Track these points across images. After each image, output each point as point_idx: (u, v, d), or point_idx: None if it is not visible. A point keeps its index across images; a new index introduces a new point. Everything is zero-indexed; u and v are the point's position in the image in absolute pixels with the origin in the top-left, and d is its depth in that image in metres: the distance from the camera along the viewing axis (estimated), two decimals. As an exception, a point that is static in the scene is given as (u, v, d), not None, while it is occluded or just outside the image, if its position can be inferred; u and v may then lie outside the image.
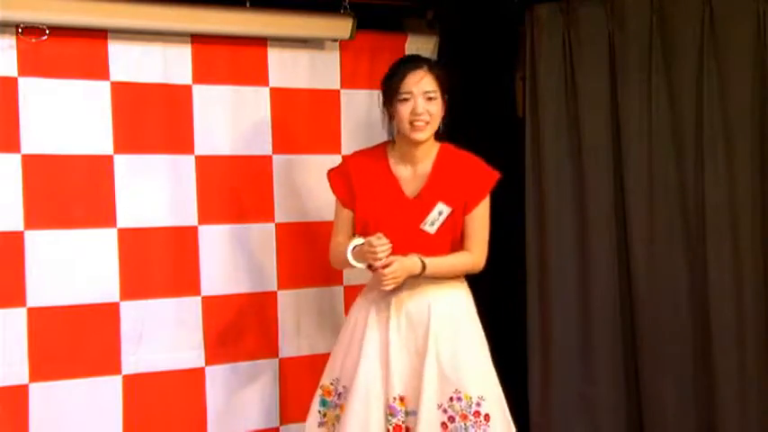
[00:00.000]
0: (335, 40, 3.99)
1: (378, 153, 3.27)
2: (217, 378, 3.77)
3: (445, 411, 3.11)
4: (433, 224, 3.18)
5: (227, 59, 3.81)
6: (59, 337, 3.47)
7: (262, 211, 3.87)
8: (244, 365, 3.84)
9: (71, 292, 3.49)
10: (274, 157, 3.90)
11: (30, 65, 3.44)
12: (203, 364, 3.74)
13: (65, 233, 3.49)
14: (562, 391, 4.07)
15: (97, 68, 3.56)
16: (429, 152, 3.23)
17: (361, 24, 3.93)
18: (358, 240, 3.17)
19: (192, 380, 3.73)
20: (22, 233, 3.42)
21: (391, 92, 3.18)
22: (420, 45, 4.23)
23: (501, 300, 4.29)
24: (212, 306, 3.76)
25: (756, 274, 3.76)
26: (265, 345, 3.88)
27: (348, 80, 4.06)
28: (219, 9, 3.71)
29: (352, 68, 4.07)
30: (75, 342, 3.50)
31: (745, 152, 3.76)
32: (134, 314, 3.59)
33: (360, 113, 4.08)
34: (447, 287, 3.23)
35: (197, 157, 3.75)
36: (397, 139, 3.27)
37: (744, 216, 3.77)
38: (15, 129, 3.42)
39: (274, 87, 3.91)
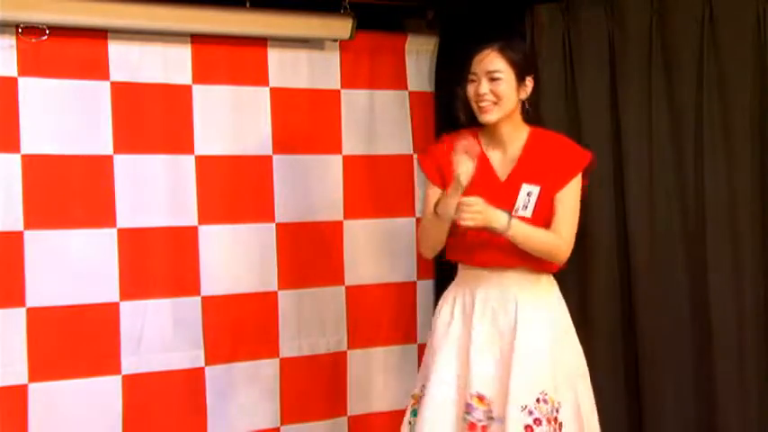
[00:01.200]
0: (335, 40, 3.99)
1: (470, 135, 3.05)
2: (217, 378, 3.77)
3: (531, 413, 2.94)
4: (526, 207, 3.00)
5: (227, 59, 3.81)
6: (59, 337, 3.47)
7: (262, 211, 3.87)
8: (244, 365, 3.84)
9: (71, 292, 3.49)
10: (274, 157, 3.90)
11: (30, 65, 3.44)
12: (203, 364, 3.74)
13: (65, 233, 3.49)
14: (562, 392, 4.06)
15: (97, 68, 3.56)
16: (517, 135, 3.05)
17: (361, 24, 3.93)
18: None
19: (192, 380, 3.73)
20: (21, 233, 3.41)
21: (465, 74, 3.06)
22: (420, 45, 4.24)
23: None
24: (212, 306, 3.76)
25: (756, 274, 3.76)
26: (265, 345, 3.88)
27: (348, 80, 4.06)
28: (219, 9, 3.71)
29: (352, 68, 4.07)
30: (74, 342, 3.50)
31: (745, 152, 3.76)
32: (134, 314, 3.60)
33: (360, 113, 4.09)
34: (536, 287, 3.07)
35: (197, 157, 3.75)
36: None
37: (744, 216, 3.76)
38: (15, 129, 3.42)
39: (274, 87, 3.91)
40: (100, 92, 3.57)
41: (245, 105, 3.86)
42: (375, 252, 4.10)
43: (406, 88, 4.21)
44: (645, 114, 3.92)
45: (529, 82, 3.02)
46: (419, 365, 4.16)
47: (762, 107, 3.72)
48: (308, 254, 3.95)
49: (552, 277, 3.15)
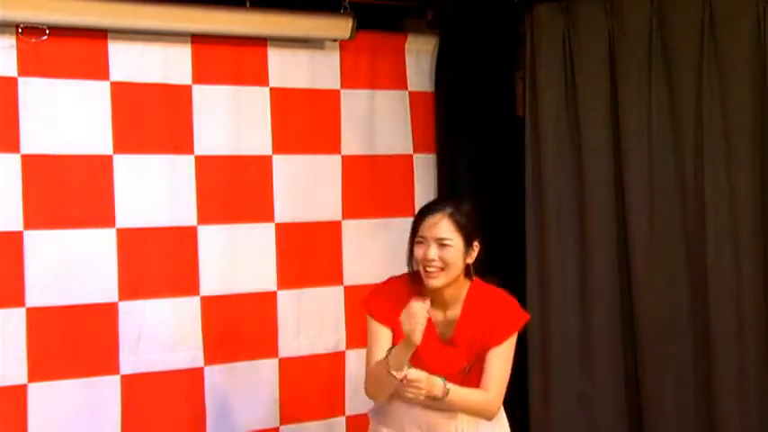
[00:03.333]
0: (335, 40, 3.99)
1: (414, 290, 2.97)
2: (216, 378, 3.77)
3: None
4: (468, 369, 2.97)
5: (227, 59, 3.81)
6: (58, 337, 3.47)
7: (262, 211, 3.88)
8: (243, 365, 3.84)
9: (70, 292, 3.49)
10: (274, 157, 3.90)
11: (30, 65, 3.44)
12: (203, 364, 3.74)
13: (64, 233, 3.49)
14: (562, 391, 4.07)
15: (97, 68, 3.56)
16: (458, 295, 2.99)
17: (361, 24, 3.93)
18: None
19: (192, 380, 3.73)
20: (21, 233, 3.42)
21: (412, 232, 3.00)
22: (420, 45, 4.24)
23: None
24: (212, 306, 3.76)
25: (756, 274, 3.76)
26: (265, 345, 3.88)
27: (348, 80, 4.06)
28: (219, 9, 3.71)
29: (352, 68, 4.07)
30: (73, 342, 3.50)
31: (745, 152, 3.76)
32: (133, 314, 3.60)
33: (360, 113, 4.09)
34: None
35: (197, 157, 3.75)
36: None
37: (744, 216, 3.76)
38: (15, 129, 3.42)
39: (274, 87, 3.91)
40: (100, 92, 3.57)
41: (245, 105, 3.86)
42: (374, 252, 4.09)
43: (406, 88, 4.21)
44: (645, 114, 3.92)
45: (476, 246, 2.97)
46: (419, 366, 4.18)
47: (762, 107, 3.72)
48: (308, 254, 3.95)
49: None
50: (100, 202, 3.56)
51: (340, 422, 4.05)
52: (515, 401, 4.13)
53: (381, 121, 4.15)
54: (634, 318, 3.98)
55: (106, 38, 3.57)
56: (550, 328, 4.08)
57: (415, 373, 2.75)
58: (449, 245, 2.91)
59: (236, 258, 3.81)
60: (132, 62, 3.63)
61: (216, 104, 3.79)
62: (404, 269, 4.13)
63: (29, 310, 3.42)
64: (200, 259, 3.73)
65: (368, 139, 4.10)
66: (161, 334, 3.65)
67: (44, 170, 3.47)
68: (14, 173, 3.42)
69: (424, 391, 2.77)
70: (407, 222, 4.11)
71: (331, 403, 4.02)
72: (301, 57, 3.97)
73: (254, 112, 3.88)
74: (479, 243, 2.99)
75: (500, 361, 2.96)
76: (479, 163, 4.25)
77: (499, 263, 4.28)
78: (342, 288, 4.04)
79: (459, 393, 2.86)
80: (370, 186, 4.10)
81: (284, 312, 3.91)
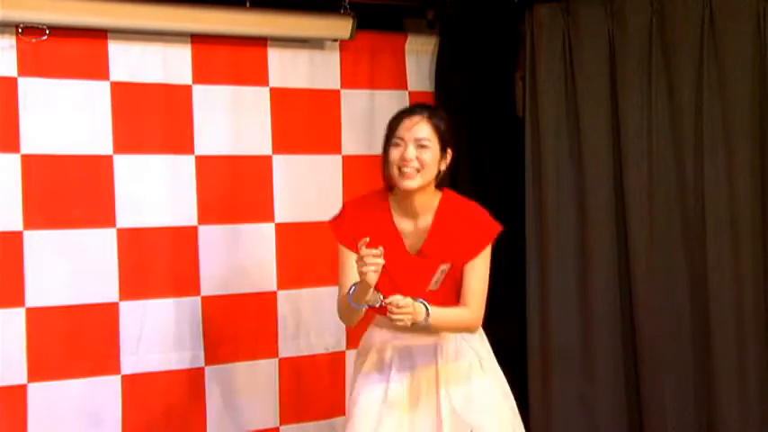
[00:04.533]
0: (335, 40, 3.99)
1: (380, 204, 3.03)
2: (217, 378, 3.77)
3: None
4: (436, 283, 2.98)
5: (227, 59, 3.81)
6: (58, 337, 3.47)
7: (262, 211, 3.88)
8: (244, 365, 3.84)
9: (70, 292, 3.49)
10: (274, 157, 3.90)
11: (30, 65, 3.44)
12: (203, 364, 3.74)
13: (64, 233, 3.50)
14: (562, 391, 4.07)
15: (97, 68, 3.56)
16: (429, 204, 2.99)
17: (361, 24, 3.93)
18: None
19: (192, 380, 3.73)
20: (21, 233, 3.42)
21: (388, 137, 3.00)
22: (420, 45, 4.24)
23: (500, 299, 4.29)
24: (212, 306, 3.76)
25: (756, 274, 3.76)
26: (265, 345, 3.88)
27: (348, 80, 4.06)
28: (219, 9, 3.71)
29: (353, 68, 4.07)
30: (74, 342, 3.50)
31: (745, 151, 3.76)
32: (133, 314, 3.60)
33: (360, 113, 4.09)
34: (458, 343, 3.04)
35: (197, 157, 3.75)
36: (396, 191, 3.02)
37: (743, 215, 3.77)
38: (15, 129, 3.42)
39: (274, 87, 3.91)
40: (100, 92, 3.57)
41: (245, 105, 3.86)
42: (375, 252, 4.10)
43: (406, 88, 4.21)
44: (645, 114, 3.92)
45: (449, 154, 3.00)
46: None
47: (762, 107, 3.72)
48: (308, 254, 3.95)
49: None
50: (100, 202, 3.56)
51: (340, 422, 4.04)
52: (515, 401, 4.16)
53: (381, 121, 4.10)
54: (634, 318, 3.98)
55: (106, 38, 3.57)
56: (550, 329, 4.08)
57: (402, 299, 2.75)
58: (427, 146, 2.93)
59: (237, 258, 3.81)
60: (132, 62, 3.63)
61: (216, 104, 3.79)
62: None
63: (29, 310, 3.43)
64: (201, 259, 3.73)
65: (368, 139, 4.10)
66: (161, 334, 3.66)
67: (44, 170, 3.47)
68: (14, 173, 3.42)
69: (410, 316, 2.76)
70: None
71: (331, 403, 4.02)
72: (301, 57, 3.97)
73: (254, 112, 3.88)
74: (452, 152, 3.01)
75: (477, 274, 2.98)
76: (479, 163, 4.25)
77: (499, 263, 4.31)
78: (342, 288, 4.04)
79: (440, 314, 2.87)
80: (371, 186, 4.08)
81: (284, 312, 3.91)
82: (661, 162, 3.91)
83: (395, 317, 2.75)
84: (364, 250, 2.72)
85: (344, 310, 2.96)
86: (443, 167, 2.99)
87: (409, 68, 4.22)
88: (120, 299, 3.58)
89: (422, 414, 2.97)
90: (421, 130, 2.95)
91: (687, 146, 3.87)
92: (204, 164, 3.76)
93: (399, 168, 2.93)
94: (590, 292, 4.04)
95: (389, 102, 4.15)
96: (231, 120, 3.83)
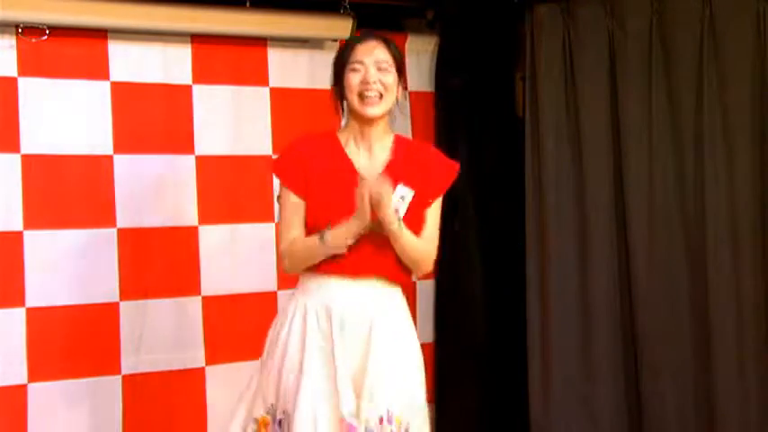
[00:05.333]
0: (335, 40, 3.98)
1: (327, 139, 2.90)
2: (217, 378, 3.77)
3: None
4: (397, 211, 2.78)
5: (227, 59, 3.81)
6: (59, 337, 3.47)
7: (262, 211, 3.87)
8: (244, 365, 3.83)
9: (70, 292, 3.49)
10: (274, 157, 3.90)
11: (30, 65, 3.44)
12: (203, 364, 3.74)
13: (65, 233, 3.49)
14: (562, 391, 4.07)
15: (97, 68, 3.56)
16: (384, 137, 2.88)
17: (361, 24, 3.93)
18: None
19: (192, 380, 3.73)
20: (21, 233, 3.42)
21: (341, 65, 2.85)
22: (420, 45, 4.24)
23: (501, 299, 4.29)
24: (212, 306, 3.76)
25: (756, 274, 3.76)
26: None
27: (348, 80, 4.05)
28: (219, 9, 3.71)
29: (353, 68, 4.06)
30: (74, 342, 3.50)
31: (745, 152, 3.76)
32: (134, 314, 3.60)
33: (360, 113, 4.08)
34: (389, 301, 2.88)
35: (197, 157, 3.75)
36: (349, 121, 2.90)
37: (743, 216, 3.76)
38: (15, 129, 3.42)
39: (274, 87, 3.91)
40: (100, 92, 3.57)
41: (245, 105, 3.86)
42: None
43: (406, 88, 4.20)
44: (645, 114, 3.92)
45: (402, 86, 2.90)
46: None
47: (762, 107, 3.72)
48: (308, 254, 3.95)
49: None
50: (100, 202, 3.56)
51: (340, 422, 4.04)
52: (515, 401, 4.16)
53: (381, 120, 4.14)
54: (634, 318, 3.98)
55: (106, 38, 3.57)
56: (550, 329, 4.07)
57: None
58: (387, 69, 2.84)
59: (237, 258, 3.81)
60: (132, 62, 3.63)
61: (216, 104, 3.79)
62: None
63: (29, 310, 3.42)
64: (201, 259, 3.73)
65: (368, 140, 4.10)
66: (161, 334, 3.65)
67: (44, 170, 3.47)
68: (14, 173, 3.42)
69: (385, 205, 2.68)
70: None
71: (331, 403, 4.01)
72: (301, 57, 3.97)
73: (254, 112, 3.88)
74: (404, 87, 2.93)
75: (434, 216, 2.90)
76: (479, 163, 4.25)
77: (499, 263, 4.32)
78: (342, 288, 4.03)
79: (408, 233, 2.78)
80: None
81: (284, 312, 3.91)
82: (661, 161, 3.91)
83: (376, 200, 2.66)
84: (376, 181, 2.68)
85: (305, 258, 2.81)
86: (398, 97, 2.89)
87: (409, 68, 4.20)
88: (121, 299, 3.58)
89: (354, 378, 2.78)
90: (381, 52, 2.85)
91: (687, 145, 3.86)
92: (204, 164, 3.76)
93: (360, 94, 2.81)
94: (590, 292, 4.04)
95: (389, 102, 4.15)
96: (231, 120, 3.83)
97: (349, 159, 2.86)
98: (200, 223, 3.74)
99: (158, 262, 3.66)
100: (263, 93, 3.89)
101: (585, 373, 4.06)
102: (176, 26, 3.67)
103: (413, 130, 4.20)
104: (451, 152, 4.17)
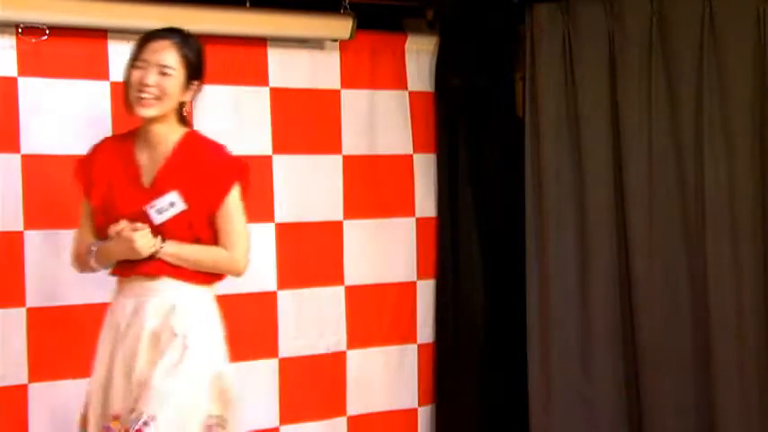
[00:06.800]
0: (335, 40, 3.99)
1: (127, 137, 2.92)
2: (216, 378, 3.76)
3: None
4: (160, 213, 2.80)
5: (227, 59, 3.80)
6: (59, 337, 3.46)
7: (262, 211, 3.87)
8: (244, 365, 3.83)
9: (71, 292, 3.48)
10: (274, 157, 3.90)
11: (30, 65, 3.44)
12: (203, 364, 3.73)
13: (65, 233, 3.48)
14: (562, 391, 4.07)
15: (97, 68, 3.56)
16: (168, 136, 2.86)
17: (361, 24, 3.93)
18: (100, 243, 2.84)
19: (192, 380, 3.72)
20: (21, 233, 3.41)
21: (132, 57, 2.86)
22: (420, 45, 4.23)
23: (501, 299, 4.29)
24: (212, 306, 3.75)
25: (756, 273, 3.76)
26: (265, 345, 3.88)
27: (348, 80, 4.05)
28: (219, 9, 3.71)
29: (353, 68, 4.06)
30: (74, 342, 3.49)
31: (745, 152, 3.76)
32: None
33: (360, 113, 4.08)
34: (189, 296, 2.87)
35: (197, 157, 3.74)
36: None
37: (744, 216, 3.77)
38: (15, 129, 3.42)
39: (274, 87, 3.91)
40: (100, 92, 3.56)
41: (245, 105, 3.85)
42: (375, 252, 4.09)
43: (406, 88, 4.21)
44: (645, 114, 3.92)
45: (195, 86, 2.89)
46: (418, 365, 4.18)
47: (762, 107, 3.72)
48: (308, 254, 3.94)
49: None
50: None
51: (340, 422, 4.05)
52: (515, 401, 4.16)
53: (381, 121, 4.14)
54: (634, 317, 3.98)
55: (106, 38, 3.56)
56: (550, 329, 4.08)
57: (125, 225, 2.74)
58: (170, 74, 2.81)
59: (237, 258, 3.81)
60: (132, 62, 3.63)
61: (216, 104, 3.78)
62: (403, 268, 4.18)
63: (29, 310, 3.42)
64: (201, 259, 3.73)
65: (368, 139, 4.10)
66: (162, 334, 3.65)
67: (44, 170, 3.46)
68: (14, 173, 3.41)
69: (144, 241, 2.74)
70: (408, 222, 4.17)
71: (331, 403, 4.01)
72: (301, 57, 3.96)
73: (254, 112, 3.87)
74: (199, 84, 2.91)
75: (230, 217, 2.88)
76: (479, 163, 4.25)
77: (499, 263, 4.32)
78: (342, 288, 4.03)
79: (184, 248, 2.81)
80: (371, 186, 4.10)
81: (284, 312, 3.90)
82: (661, 161, 3.91)
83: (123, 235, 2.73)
84: (114, 228, 2.73)
85: (81, 263, 2.95)
86: (188, 98, 2.88)
87: (409, 68, 4.21)
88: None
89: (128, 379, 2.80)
90: (167, 56, 2.82)
91: (687, 145, 3.87)
92: (204, 164, 3.75)
93: (138, 93, 2.81)
94: (590, 291, 4.05)
95: (389, 102, 4.15)
96: (231, 120, 3.82)
97: (135, 161, 2.87)
98: (200, 223, 3.73)
99: (158, 262, 3.66)
100: (263, 93, 3.89)
101: (585, 373, 4.06)
102: (176, 26, 3.66)
103: (413, 130, 4.20)
104: (452, 152, 4.23)
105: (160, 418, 2.71)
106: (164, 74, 2.81)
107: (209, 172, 2.87)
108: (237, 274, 2.96)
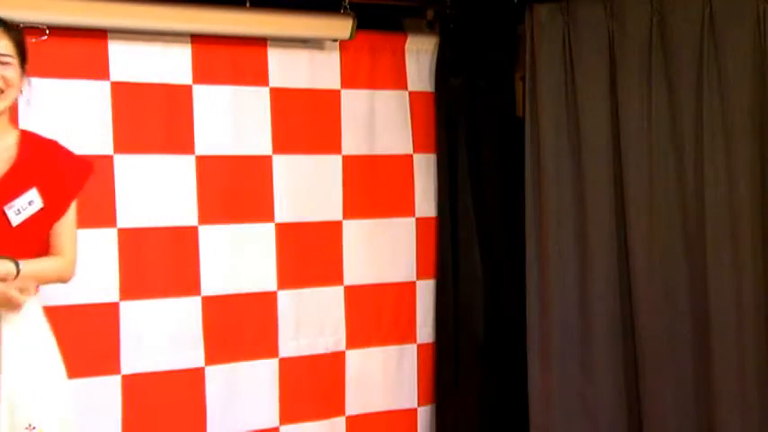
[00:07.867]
0: (335, 40, 3.99)
1: None
2: (217, 378, 3.77)
3: None
4: (18, 213, 2.64)
5: (227, 59, 3.81)
6: (59, 337, 3.41)
7: (262, 211, 3.87)
8: (244, 365, 3.84)
9: (71, 291, 3.47)
10: (274, 156, 3.90)
11: (30, 65, 3.42)
12: (203, 364, 3.74)
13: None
14: (562, 391, 4.07)
15: (97, 68, 3.56)
16: (6, 135, 2.70)
17: (361, 24, 3.93)
18: None
19: (192, 380, 3.73)
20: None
21: None
22: (420, 45, 4.24)
23: (500, 299, 4.29)
24: (212, 306, 3.76)
25: (756, 274, 3.76)
26: (265, 345, 3.88)
27: (348, 80, 4.05)
28: (219, 9, 3.71)
29: (352, 68, 4.06)
30: (74, 342, 3.47)
31: (745, 152, 3.75)
32: (133, 314, 3.60)
33: (360, 113, 4.08)
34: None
35: (197, 157, 3.75)
36: None
37: (744, 216, 3.76)
38: (15, 129, 3.42)
39: (274, 87, 3.91)
40: (100, 92, 3.57)
41: (245, 105, 3.85)
42: (374, 252, 4.10)
43: (406, 88, 4.21)
44: (645, 114, 3.92)
45: (24, 75, 2.69)
46: (418, 365, 4.19)
47: (762, 107, 3.72)
48: (308, 254, 3.95)
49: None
50: (100, 202, 3.55)
51: (340, 422, 4.05)
52: (515, 401, 4.16)
53: (381, 121, 4.14)
54: (634, 318, 3.98)
55: (106, 38, 3.57)
56: (550, 329, 4.08)
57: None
58: (9, 62, 2.64)
59: (237, 258, 3.81)
60: (132, 62, 3.62)
61: (216, 104, 3.79)
62: (403, 268, 4.19)
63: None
64: (201, 259, 3.73)
65: (368, 139, 4.10)
66: (162, 334, 3.65)
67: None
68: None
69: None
70: (408, 222, 4.18)
71: (331, 403, 4.02)
72: (301, 57, 3.97)
73: (254, 112, 3.88)
74: (25, 72, 2.71)
75: (71, 220, 2.77)
76: (479, 163, 4.25)
77: (499, 263, 4.32)
78: (342, 288, 4.04)
79: (34, 266, 2.64)
80: (371, 186, 4.10)
81: (284, 312, 3.91)
82: (661, 162, 3.91)
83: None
84: None
85: None
86: (22, 87, 2.71)
87: (409, 68, 4.22)
88: (121, 299, 3.57)
89: None
90: (3, 45, 2.63)
91: (687, 146, 3.86)
92: (204, 164, 3.76)
93: None
94: (590, 292, 4.04)
95: (389, 102, 4.15)
96: (231, 120, 3.82)
97: None
98: (200, 223, 3.73)
99: (158, 262, 3.66)
100: (263, 93, 3.89)
101: (585, 374, 4.06)
102: (176, 26, 3.67)
103: (413, 130, 4.20)
104: (451, 152, 4.23)
105: None
106: (3, 63, 2.64)
107: (62, 170, 2.76)
108: (66, 280, 2.82)
